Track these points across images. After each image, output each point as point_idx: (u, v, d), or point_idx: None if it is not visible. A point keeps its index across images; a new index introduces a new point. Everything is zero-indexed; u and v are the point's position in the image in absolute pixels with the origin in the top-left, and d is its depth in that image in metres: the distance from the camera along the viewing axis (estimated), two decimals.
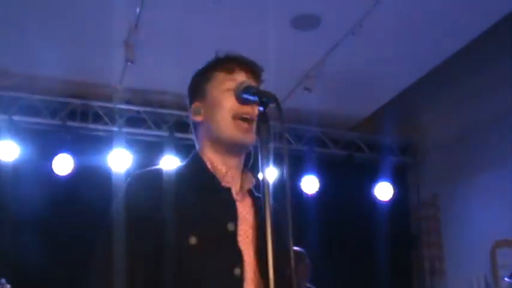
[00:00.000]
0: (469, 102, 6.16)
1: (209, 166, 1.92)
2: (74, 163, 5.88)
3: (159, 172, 1.90)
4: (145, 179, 1.88)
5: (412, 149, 7.18)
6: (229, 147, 1.91)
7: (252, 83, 1.92)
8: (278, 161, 1.94)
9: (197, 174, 1.91)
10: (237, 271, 1.74)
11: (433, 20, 5.10)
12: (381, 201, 6.74)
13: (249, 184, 1.94)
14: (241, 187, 1.92)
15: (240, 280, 1.74)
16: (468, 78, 6.12)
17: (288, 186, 1.57)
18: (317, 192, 6.46)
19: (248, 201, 1.93)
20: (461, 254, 6.22)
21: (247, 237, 1.82)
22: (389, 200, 6.76)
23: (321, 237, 5.93)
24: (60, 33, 5.29)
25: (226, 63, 1.97)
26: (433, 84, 6.36)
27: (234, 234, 1.78)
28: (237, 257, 1.76)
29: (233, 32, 4.81)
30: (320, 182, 6.48)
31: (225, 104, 1.89)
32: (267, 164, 1.57)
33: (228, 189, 1.88)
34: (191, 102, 2.01)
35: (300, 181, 6.44)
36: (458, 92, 6.30)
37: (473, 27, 5.26)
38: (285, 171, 1.68)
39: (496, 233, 5.61)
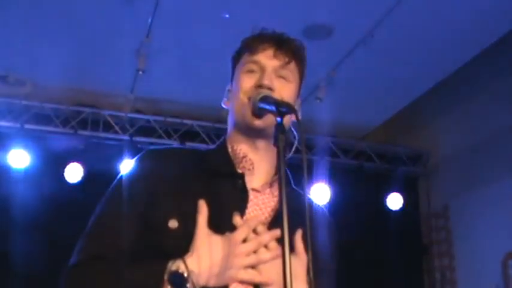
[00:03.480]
0: (481, 112, 6.13)
1: (229, 150, 1.82)
2: (85, 171, 5.89)
3: (174, 152, 1.86)
4: (156, 157, 1.81)
5: (423, 159, 7.15)
6: (244, 130, 1.80)
7: (278, 62, 1.81)
8: (294, 170, 1.87)
9: (215, 158, 1.82)
10: None
11: (444, 29, 5.09)
12: (391, 211, 6.71)
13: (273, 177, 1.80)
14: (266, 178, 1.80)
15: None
16: (480, 88, 6.10)
17: (307, 197, 1.51)
18: (328, 201, 6.44)
19: (271, 195, 1.79)
20: (473, 265, 6.17)
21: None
22: (400, 210, 6.73)
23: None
24: (71, 42, 5.32)
25: (251, 41, 1.86)
26: (445, 94, 6.34)
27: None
28: None
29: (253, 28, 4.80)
30: (331, 191, 6.46)
31: (242, 85, 1.79)
32: (284, 175, 1.51)
33: (242, 176, 1.76)
34: None
35: (310, 190, 6.42)
36: (469, 102, 6.28)
37: (485, 36, 5.24)
38: (304, 180, 1.59)
39: (507, 244, 5.58)
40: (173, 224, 1.62)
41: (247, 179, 1.77)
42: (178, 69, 5.46)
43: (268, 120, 1.71)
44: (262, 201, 1.77)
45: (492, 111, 5.99)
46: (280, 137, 1.53)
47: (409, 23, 4.99)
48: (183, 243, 1.57)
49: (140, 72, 5.29)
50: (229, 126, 1.88)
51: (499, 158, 5.90)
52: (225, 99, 1.91)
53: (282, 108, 1.59)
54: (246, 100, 1.77)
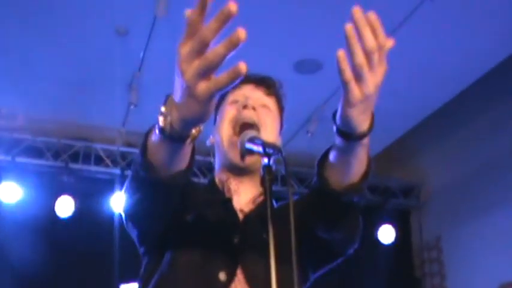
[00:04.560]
0: (472, 144, 6.17)
1: (217, 182, 1.91)
2: (76, 205, 5.87)
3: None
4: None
5: (415, 192, 7.17)
6: (229, 168, 1.89)
7: (260, 93, 1.94)
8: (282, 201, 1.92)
9: (207, 190, 1.90)
10: (222, 276, 1.66)
11: (434, 63, 5.15)
12: (384, 244, 6.70)
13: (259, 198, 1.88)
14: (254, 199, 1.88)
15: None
16: (471, 119, 6.14)
17: (294, 235, 1.51)
18: None
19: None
20: None
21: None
22: (393, 243, 6.72)
23: (323, 279, 5.88)
24: (63, 76, 5.35)
25: None
26: (436, 126, 6.38)
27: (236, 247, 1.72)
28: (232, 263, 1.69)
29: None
30: None
31: (227, 114, 1.89)
32: (270, 215, 1.53)
33: (229, 200, 1.84)
34: None
35: None
36: (461, 134, 6.32)
37: (475, 69, 5.31)
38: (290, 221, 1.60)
39: (501, 276, 5.55)
40: (189, 217, 1.73)
41: (234, 200, 1.85)
42: None
43: (253, 159, 1.77)
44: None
45: (482, 142, 6.03)
46: (266, 178, 1.56)
47: (397, 56, 5.03)
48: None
49: (132, 106, 5.31)
50: (216, 163, 1.97)
51: (490, 189, 5.92)
52: (210, 137, 1.97)
53: (268, 149, 1.61)
54: (231, 130, 1.85)
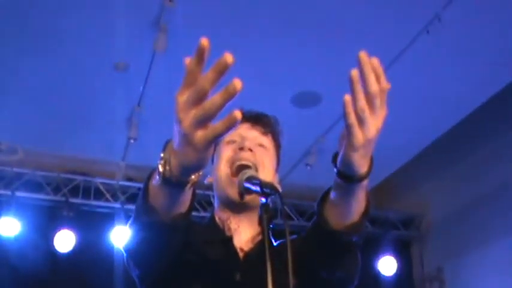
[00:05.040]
0: (472, 174, 6.17)
1: (217, 220, 1.92)
2: (76, 239, 5.85)
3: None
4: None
5: (416, 223, 7.15)
6: (226, 204, 1.92)
7: (257, 133, 1.96)
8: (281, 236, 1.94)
9: (208, 228, 1.91)
10: None
11: (432, 93, 5.18)
12: (384, 276, 6.66)
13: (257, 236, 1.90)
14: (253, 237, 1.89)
15: None
16: (470, 150, 6.15)
17: (291, 273, 1.53)
18: None
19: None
20: None
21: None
22: (394, 275, 6.68)
23: None
24: (63, 110, 5.38)
25: None
26: (435, 156, 6.38)
27: (240, 284, 1.73)
28: None
29: (233, 108, 4.86)
30: None
31: (223, 154, 1.91)
32: (268, 251, 1.55)
33: (230, 239, 1.86)
34: None
35: None
36: (460, 165, 6.32)
37: (473, 98, 5.32)
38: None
39: None
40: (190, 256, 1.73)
41: (235, 239, 1.87)
42: (169, 136, 5.49)
43: (251, 196, 1.78)
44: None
45: (482, 172, 6.04)
46: (264, 217, 1.59)
47: (394, 87, 5.06)
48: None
49: (132, 141, 5.33)
50: (216, 201, 1.99)
51: (490, 219, 5.91)
52: (208, 176, 2.00)
53: (266, 189, 1.63)
54: (228, 170, 1.87)
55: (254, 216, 1.92)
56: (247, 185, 1.74)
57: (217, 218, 1.94)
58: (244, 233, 1.91)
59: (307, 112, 5.38)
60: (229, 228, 1.90)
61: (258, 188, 1.67)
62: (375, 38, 4.41)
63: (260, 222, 1.64)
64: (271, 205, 1.64)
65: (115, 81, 4.94)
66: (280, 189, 1.63)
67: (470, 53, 4.74)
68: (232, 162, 1.88)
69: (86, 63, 4.84)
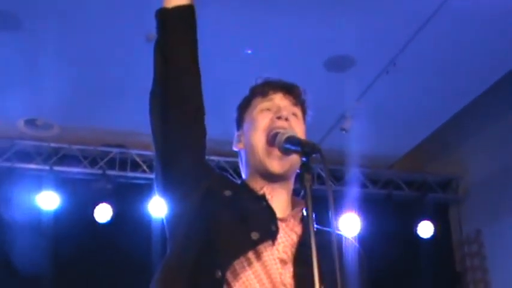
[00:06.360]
0: (510, 133, 6.07)
1: (254, 188, 1.91)
2: (114, 211, 5.92)
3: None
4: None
5: (453, 185, 7.08)
6: (263, 174, 1.90)
7: (289, 102, 1.97)
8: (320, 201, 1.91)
9: (242, 195, 1.89)
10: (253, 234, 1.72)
11: (469, 52, 5.07)
12: (423, 239, 6.63)
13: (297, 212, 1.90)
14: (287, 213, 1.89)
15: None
16: (508, 109, 6.04)
17: (334, 230, 1.53)
18: (358, 232, 6.39)
19: (295, 224, 1.87)
20: None
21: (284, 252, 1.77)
22: (432, 238, 6.65)
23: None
24: (96, 83, 5.40)
25: (261, 88, 2.01)
26: (471, 117, 6.28)
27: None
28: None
29: (267, 75, 4.84)
30: (361, 221, 6.40)
31: (260, 122, 1.91)
32: (312, 213, 1.54)
33: (264, 197, 1.87)
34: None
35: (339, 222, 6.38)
36: (499, 125, 6.21)
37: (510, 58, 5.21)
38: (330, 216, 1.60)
39: None
40: (228, 193, 1.82)
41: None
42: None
43: (287, 165, 1.84)
44: (285, 231, 1.82)
45: None
46: (306, 177, 1.57)
47: (430, 50, 4.99)
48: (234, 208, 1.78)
49: None
50: (246, 169, 1.99)
51: None
52: (236, 143, 2.02)
53: (306, 148, 1.63)
54: (264, 139, 1.87)
55: (288, 186, 1.93)
56: (287, 145, 1.74)
57: (250, 186, 1.93)
58: (276, 202, 1.88)
59: (340, 76, 5.32)
60: (264, 193, 1.89)
61: (298, 148, 1.66)
62: None
63: (301, 182, 1.61)
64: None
65: (147, 52, 4.92)
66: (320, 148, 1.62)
67: None
68: (269, 131, 1.87)
69: (117, 35, 4.84)
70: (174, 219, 1.86)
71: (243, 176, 2.01)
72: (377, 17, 4.64)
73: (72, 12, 4.55)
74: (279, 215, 1.83)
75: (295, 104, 1.99)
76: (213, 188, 1.82)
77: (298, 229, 1.85)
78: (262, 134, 1.88)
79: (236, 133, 2.04)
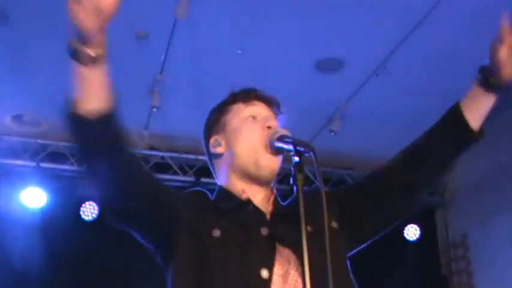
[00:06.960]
0: (498, 140, 6.07)
1: (235, 192, 1.90)
2: (100, 209, 5.89)
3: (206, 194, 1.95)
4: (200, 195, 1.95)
5: (440, 189, 7.09)
6: (251, 176, 1.89)
7: (270, 112, 1.98)
8: None
9: (225, 200, 1.89)
10: (263, 273, 1.67)
11: (459, 55, 5.08)
12: (409, 242, 6.65)
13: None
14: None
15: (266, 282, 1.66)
16: (497, 114, 6.03)
17: (327, 232, 1.53)
18: None
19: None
20: None
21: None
22: (418, 241, 6.67)
23: None
24: None
25: (243, 95, 2.01)
26: None
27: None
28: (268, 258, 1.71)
29: (258, 76, 4.83)
30: None
31: (246, 130, 1.90)
32: (303, 215, 1.53)
33: (249, 200, 1.87)
34: (208, 138, 2.03)
35: None
36: (486, 130, 6.21)
37: None
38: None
39: None
40: (216, 233, 1.74)
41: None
42: (192, 105, 5.47)
43: (277, 169, 1.87)
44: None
45: (508, 138, 5.95)
46: (298, 177, 1.56)
47: (421, 52, 5.00)
48: (224, 250, 1.71)
49: (154, 109, 5.32)
50: (227, 170, 1.96)
51: None
52: (215, 146, 2.00)
53: (299, 147, 1.63)
54: (252, 146, 1.87)
55: (269, 188, 1.94)
56: (279, 144, 1.74)
57: (234, 191, 1.92)
58: (256, 198, 1.88)
59: (331, 77, 5.32)
60: (245, 195, 1.88)
61: (291, 147, 1.66)
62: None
63: (294, 182, 1.62)
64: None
65: (136, 49, 4.90)
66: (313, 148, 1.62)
67: None
68: (265, 140, 1.85)
69: (106, 33, 4.80)
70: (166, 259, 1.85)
71: (220, 179, 2.00)
72: (367, 20, 4.65)
73: (60, 8, 4.51)
74: (264, 207, 1.86)
75: (276, 116, 2.01)
76: (196, 227, 1.78)
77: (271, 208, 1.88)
78: (259, 142, 1.86)
79: (213, 136, 2.01)
